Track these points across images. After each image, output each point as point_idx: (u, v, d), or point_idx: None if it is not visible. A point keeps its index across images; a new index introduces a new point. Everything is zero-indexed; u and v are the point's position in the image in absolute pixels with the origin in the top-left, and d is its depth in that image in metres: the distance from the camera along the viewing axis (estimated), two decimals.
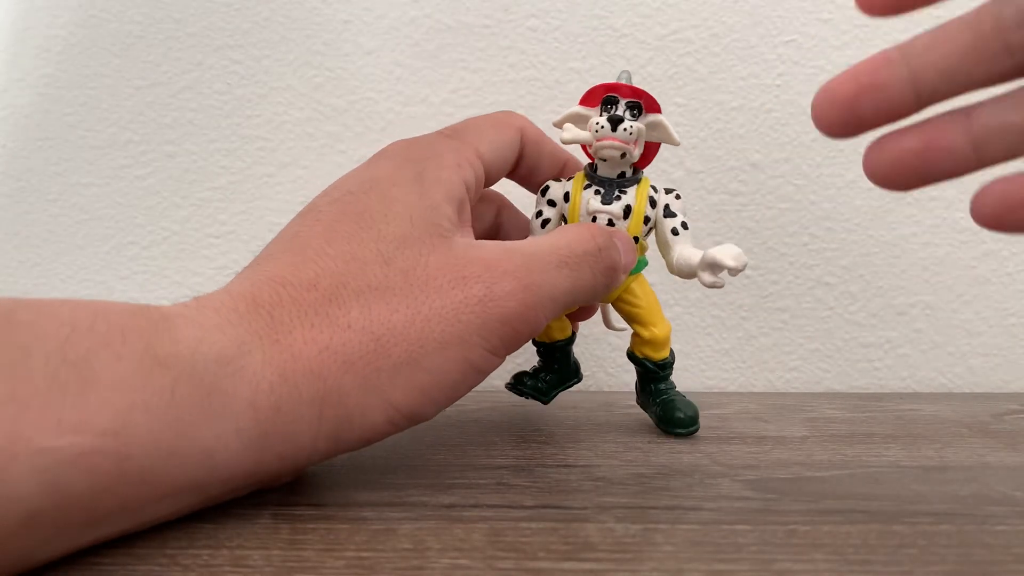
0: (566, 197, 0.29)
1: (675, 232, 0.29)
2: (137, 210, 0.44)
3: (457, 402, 0.37)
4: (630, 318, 0.30)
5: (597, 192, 0.28)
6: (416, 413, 0.23)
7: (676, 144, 0.29)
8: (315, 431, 0.21)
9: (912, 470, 0.26)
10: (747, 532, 0.20)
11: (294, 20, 0.43)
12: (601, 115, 0.28)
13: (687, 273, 0.28)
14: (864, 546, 0.19)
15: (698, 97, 0.43)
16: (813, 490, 0.24)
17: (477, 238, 0.27)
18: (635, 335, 0.30)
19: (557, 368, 0.32)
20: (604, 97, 0.28)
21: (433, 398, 0.23)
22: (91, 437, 0.17)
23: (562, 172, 0.31)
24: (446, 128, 0.28)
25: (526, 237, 0.29)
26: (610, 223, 0.28)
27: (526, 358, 0.42)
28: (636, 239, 0.29)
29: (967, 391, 0.43)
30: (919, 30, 0.21)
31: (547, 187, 0.30)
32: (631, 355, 0.30)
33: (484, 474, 0.25)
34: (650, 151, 0.30)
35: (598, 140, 0.28)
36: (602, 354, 0.36)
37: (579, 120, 0.29)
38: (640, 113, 0.28)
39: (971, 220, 0.21)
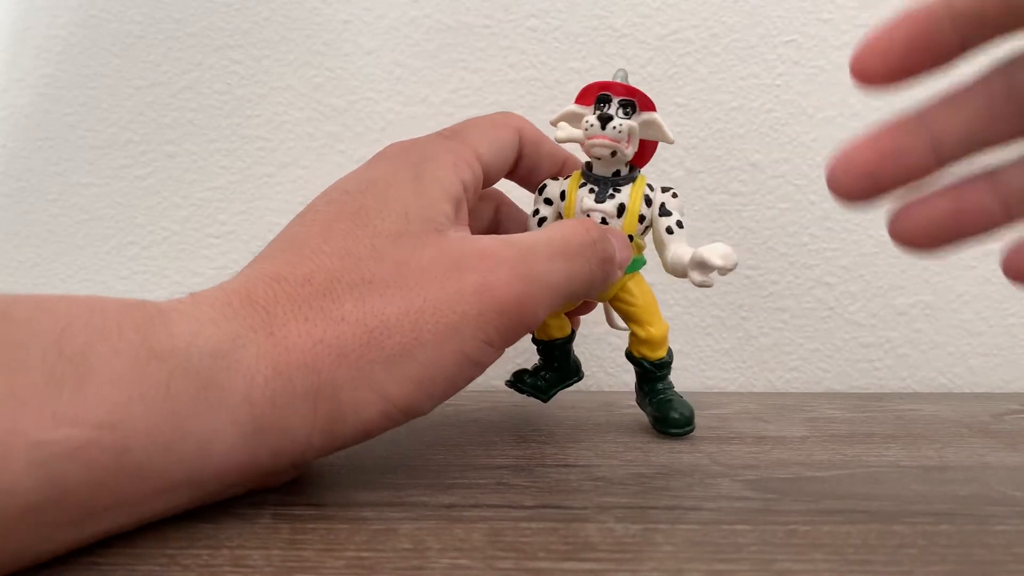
0: (562, 196, 0.29)
1: (670, 231, 0.29)
2: (137, 210, 0.44)
3: (457, 402, 0.37)
4: (627, 317, 0.30)
5: (592, 191, 0.28)
6: (411, 406, 0.23)
7: (670, 142, 0.29)
8: (310, 425, 0.21)
9: (912, 470, 0.26)
10: (747, 532, 0.20)
11: (294, 20, 0.43)
12: (594, 114, 0.28)
13: (680, 272, 0.28)
14: (864, 546, 0.19)
15: (698, 97, 0.43)
16: (813, 490, 0.24)
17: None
18: (632, 334, 0.30)
19: (557, 367, 0.32)
20: (598, 95, 0.28)
21: (428, 391, 0.23)
22: (87, 430, 0.17)
23: (561, 171, 0.31)
24: (445, 129, 0.28)
25: None
26: (604, 222, 0.28)
27: (527, 357, 0.42)
28: (631, 237, 0.29)
29: (967, 391, 0.43)
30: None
31: (544, 186, 0.30)
32: (629, 354, 0.30)
33: (484, 474, 0.25)
34: (648, 149, 0.30)
35: (588, 139, 0.28)
36: (602, 354, 0.36)
37: (574, 118, 0.29)
38: (634, 111, 0.28)
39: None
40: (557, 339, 0.31)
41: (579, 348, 0.34)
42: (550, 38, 0.43)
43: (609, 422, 0.33)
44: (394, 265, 0.23)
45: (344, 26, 0.43)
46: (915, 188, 0.21)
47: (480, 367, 0.24)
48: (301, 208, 0.26)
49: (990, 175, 0.21)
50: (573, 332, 0.32)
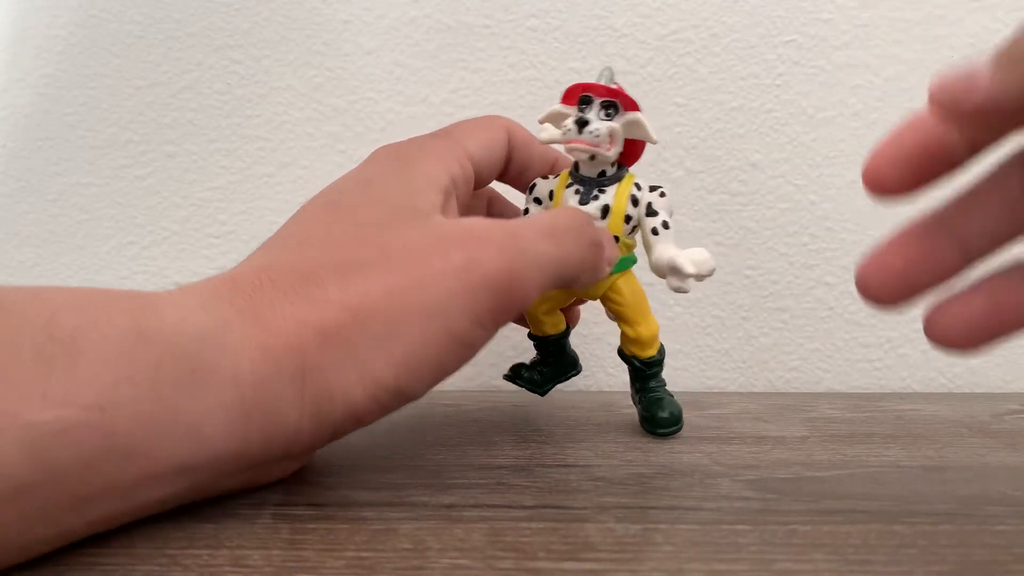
0: (551, 195, 0.29)
1: (655, 232, 0.28)
2: (137, 210, 0.44)
3: (457, 402, 0.37)
4: (617, 316, 0.30)
5: (577, 191, 0.28)
6: (399, 389, 0.22)
7: (653, 142, 0.28)
8: (298, 408, 0.21)
9: (912, 470, 0.26)
10: (747, 532, 0.20)
11: (294, 20, 0.43)
12: (576, 115, 0.28)
13: (662, 274, 0.28)
14: (864, 546, 0.19)
15: (698, 97, 0.43)
16: (813, 490, 0.24)
17: None
18: (623, 333, 0.30)
19: (553, 361, 0.32)
20: (580, 96, 0.28)
21: (416, 372, 0.22)
22: (77, 411, 0.17)
23: (552, 171, 0.31)
24: (435, 131, 0.28)
25: None
26: None
27: (519, 351, 0.42)
28: (616, 239, 0.28)
29: (967, 391, 0.43)
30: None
31: (534, 185, 0.30)
32: (620, 352, 0.31)
33: (484, 474, 0.25)
34: (636, 148, 0.30)
35: (565, 144, 0.28)
36: (602, 354, 0.36)
37: (559, 119, 0.28)
38: (616, 112, 0.28)
39: None
40: (551, 336, 0.31)
41: (579, 348, 0.34)
42: (550, 38, 0.43)
43: (609, 422, 0.33)
44: (378, 248, 0.23)
45: (344, 26, 0.43)
46: (946, 287, 0.21)
47: (471, 348, 0.23)
48: None
49: (1020, 267, 0.21)
50: (568, 329, 0.32)
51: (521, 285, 0.23)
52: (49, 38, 0.43)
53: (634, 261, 0.30)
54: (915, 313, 0.40)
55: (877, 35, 0.42)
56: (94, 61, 0.43)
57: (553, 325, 0.31)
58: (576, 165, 0.29)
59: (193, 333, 0.20)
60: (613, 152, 0.28)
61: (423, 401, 0.37)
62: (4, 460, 0.16)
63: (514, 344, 0.42)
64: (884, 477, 0.25)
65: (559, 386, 0.33)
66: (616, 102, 0.28)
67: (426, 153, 0.26)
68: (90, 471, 0.18)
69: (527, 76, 0.43)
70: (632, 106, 0.28)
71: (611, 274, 0.29)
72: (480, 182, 0.29)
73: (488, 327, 0.23)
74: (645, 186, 0.29)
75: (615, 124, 0.28)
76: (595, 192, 0.28)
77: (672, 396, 0.30)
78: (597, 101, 0.28)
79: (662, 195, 0.29)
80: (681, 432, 0.30)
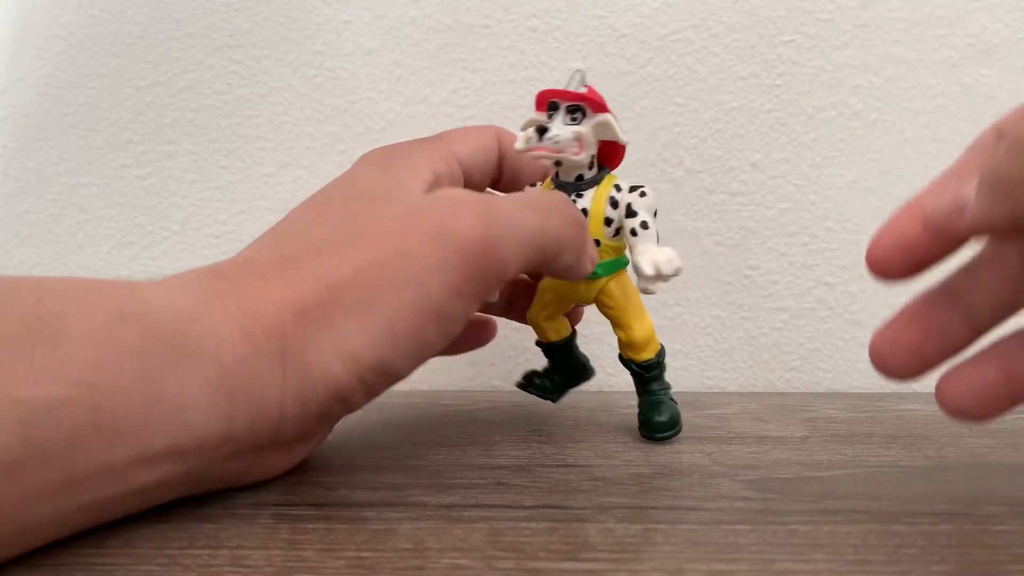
0: None
1: (633, 233, 0.28)
2: (137, 210, 0.44)
3: (457, 402, 0.37)
4: (610, 320, 0.30)
5: None
6: (379, 364, 0.22)
7: (623, 143, 0.28)
8: (280, 388, 0.21)
9: (912, 470, 0.26)
10: (747, 532, 0.20)
11: (294, 20, 0.43)
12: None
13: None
14: (864, 546, 0.19)
15: (698, 97, 0.43)
16: (813, 490, 0.24)
17: None
18: (617, 338, 0.30)
19: (563, 368, 0.32)
20: (548, 103, 0.28)
21: (395, 346, 0.22)
22: (64, 388, 0.18)
23: (545, 178, 0.31)
24: (426, 136, 0.29)
25: None
26: None
27: (527, 351, 0.42)
28: (597, 242, 0.28)
29: None
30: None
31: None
32: (620, 357, 0.30)
33: (484, 474, 0.25)
34: (618, 150, 0.29)
35: (529, 152, 0.27)
36: (602, 354, 0.36)
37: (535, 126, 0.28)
38: (584, 116, 0.28)
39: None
40: (555, 342, 0.31)
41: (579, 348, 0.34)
42: (550, 38, 0.43)
43: (609, 422, 0.33)
44: (355, 229, 0.23)
45: (344, 26, 0.43)
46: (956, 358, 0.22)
47: (452, 320, 0.23)
48: None
49: None
50: (573, 334, 0.32)
51: (497, 251, 0.23)
52: (49, 38, 0.43)
53: (625, 263, 0.30)
54: None
55: (877, 35, 0.42)
56: (94, 61, 0.43)
57: (556, 331, 0.31)
58: (557, 172, 0.29)
59: (176, 315, 0.20)
60: (583, 156, 0.27)
61: (423, 401, 0.37)
62: None
63: (514, 344, 0.42)
64: (884, 477, 0.25)
65: None
66: (582, 106, 0.28)
67: (412, 152, 0.27)
68: (79, 449, 0.18)
69: (527, 76, 0.43)
70: (600, 108, 0.28)
71: (599, 276, 0.28)
72: (471, 186, 0.29)
73: (467, 297, 0.23)
74: (625, 187, 0.28)
75: (581, 128, 0.27)
76: (573, 197, 0.28)
77: (673, 400, 0.30)
78: (563, 106, 0.28)
79: (642, 195, 0.28)
80: (681, 432, 0.30)
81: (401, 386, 0.33)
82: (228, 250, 0.43)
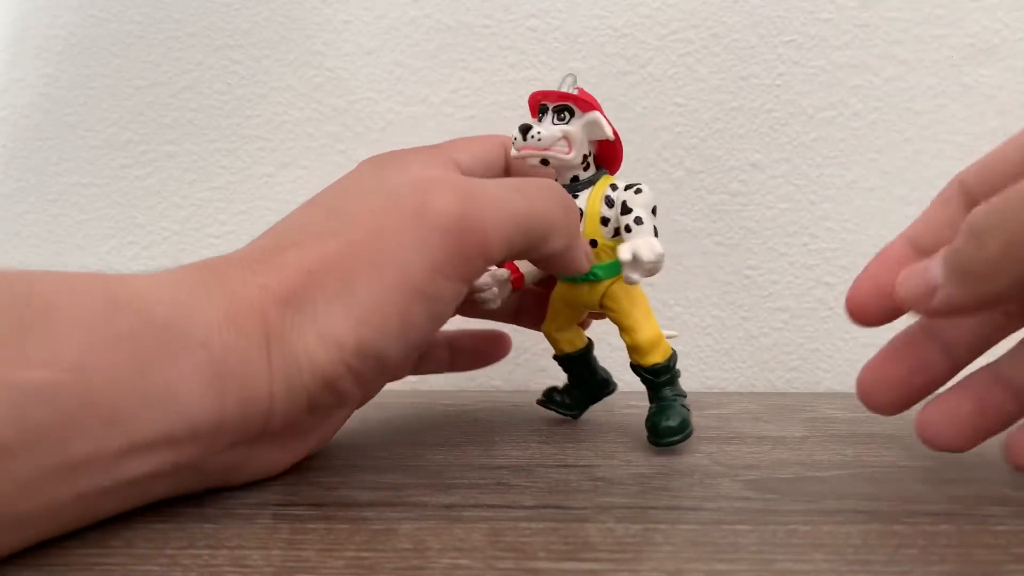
0: None
1: (627, 229, 0.27)
2: (137, 210, 0.44)
3: (457, 402, 0.37)
4: (616, 324, 0.29)
5: None
6: (363, 348, 0.22)
7: (610, 139, 0.28)
8: (267, 374, 0.21)
9: (912, 470, 0.26)
10: (747, 532, 0.20)
11: (294, 20, 0.43)
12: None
13: None
14: (864, 546, 0.19)
15: (698, 97, 0.43)
16: (813, 490, 0.24)
17: None
18: (625, 343, 0.29)
19: (582, 382, 0.32)
20: (539, 106, 0.28)
21: (377, 328, 0.22)
22: (56, 372, 0.18)
23: None
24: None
25: None
26: None
27: (527, 351, 0.42)
28: (595, 243, 0.28)
29: None
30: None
31: None
32: (630, 365, 0.29)
33: (484, 474, 0.25)
34: (616, 153, 0.29)
35: (517, 152, 0.27)
36: (601, 354, 0.36)
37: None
38: (572, 115, 0.27)
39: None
40: (570, 353, 0.31)
41: None
42: (550, 38, 0.43)
43: (609, 422, 0.33)
44: (337, 218, 0.23)
45: (344, 26, 0.43)
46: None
47: (436, 301, 0.23)
48: None
49: (995, 372, 0.24)
50: (589, 345, 0.31)
51: (478, 228, 0.22)
52: (49, 38, 0.43)
53: None
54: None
55: (877, 35, 0.42)
56: (94, 61, 0.43)
57: (569, 342, 0.31)
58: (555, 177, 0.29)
59: (164, 300, 0.20)
60: (574, 155, 0.27)
61: (423, 401, 0.37)
62: None
63: (515, 344, 0.42)
64: (884, 477, 0.25)
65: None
66: (569, 106, 0.27)
67: (408, 155, 0.26)
68: (72, 435, 0.18)
69: (527, 76, 0.43)
70: (589, 107, 0.27)
71: (600, 278, 0.28)
72: None
73: (451, 276, 0.22)
74: (621, 185, 0.28)
75: (569, 127, 0.27)
76: None
77: (684, 407, 0.28)
78: (551, 107, 0.28)
79: (637, 192, 0.27)
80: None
81: (401, 386, 0.33)
82: (228, 250, 0.43)
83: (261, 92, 0.43)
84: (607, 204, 0.28)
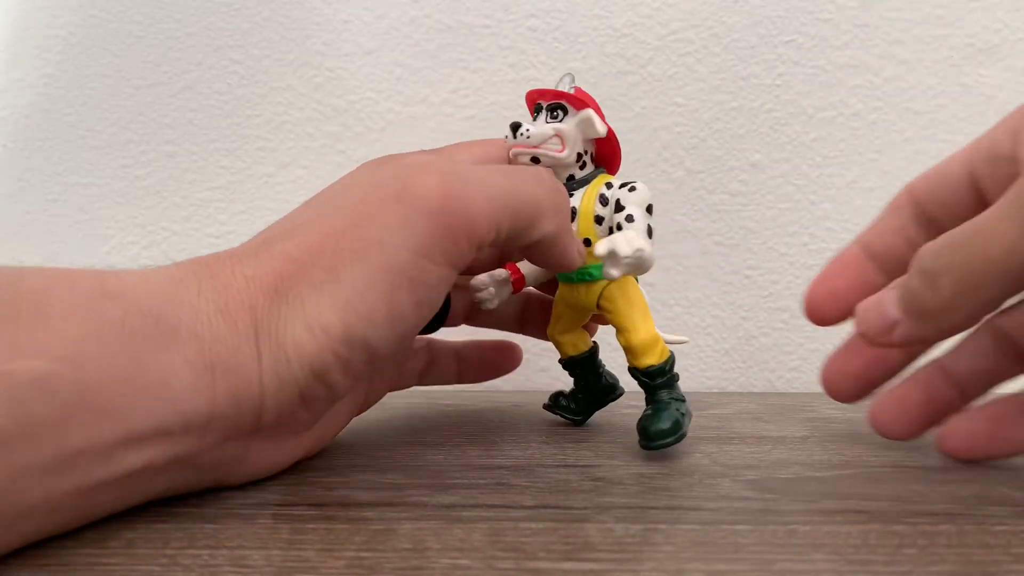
0: None
1: (619, 227, 0.27)
2: (137, 210, 0.44)
3: (457, 402, 0.37)
4: (612, 325, 0.29)
5: None
6: (350, 335, 0.21)
7: (600, 135, 0.27)
8: (257, 365, 0.21)
9: (912, 470, 0.26)
10: (747, 532, 0.20)
11: (294, 20, 0.43)
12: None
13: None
14: (864, 546, 0.19)
15: (698, 97, 0.43)
16: (813, 490, 0.24)
17: None
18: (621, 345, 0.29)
19: (587, 386, 0.32)
20: (535, 105, 0.28)
21: (364, 315, 0.21)
22: (47, 362, 0.18)
23: None
24: None
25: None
26: None
27: (527, 353, 0.42)
28: (588, 241, 0.28)
29: None
30: None
31: None
32: (628, 368, 0.29)
33: (484, 474, 0.25)
34: (615, 153, 0.29)
35: (509, 150, 0.27)
36: (601, 355, 0.36)
37: None
38: (566, 113, 0.27)
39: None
40: (574, 356, 0.31)
41: None
42: (550, 38, 0.43)
43: (609, 422, 0.33)
44: (324, 207, 0.23)
45: (344, 26, 0.43)
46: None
47: (424, 286, 0.22)
48: None
49: (941, 365, 0.27)
50: (594, 348, 0.31)
51: (462, 209, 0.22)
52: (49, 38, 0.43)
53: None
54: None
55: (877, 35, 0.42)
56: (94, 61, 0.43)
57: (573, 345, 0.31)
58: None
59: (154, 290, 0.21)
60: (567, 153, 0.27)
61: (423, 401, 0.37)
62: None
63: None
64: (884, 477, 0.25)
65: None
66: (563, 104, 0.27)
67: (404, 158, 0.26)
68: (66, 426, 0.18)
69: (527, 76, 0.43)
70: (582, 106, 0.27)
71: (595, 278, 0.28)
72: None
73: (437, 259, 0.22)
74: (616, 184, 0.28)
75: (561, 125, 0.27)
76: None
77: (679, 410, 0.27)
78: (545, 105, 0.28)
79: (632, 190, 0.27)
80: (691, 418, 0.29)
81: None
82: None
83: (261, 92, 0.43)
84: (601, 202, 0.27)
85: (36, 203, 0.44)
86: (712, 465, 0.26)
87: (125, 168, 0.44)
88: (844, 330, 0.41)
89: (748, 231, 0.43)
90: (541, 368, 0.43)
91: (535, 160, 0.27)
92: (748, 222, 0.43)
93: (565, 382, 0.33)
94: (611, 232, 0.28)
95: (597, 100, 0.28)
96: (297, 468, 0.25)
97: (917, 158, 0.42)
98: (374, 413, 0.30)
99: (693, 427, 0.32)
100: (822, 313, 0.27)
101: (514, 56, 0.43)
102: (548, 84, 0.36)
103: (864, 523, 0.21)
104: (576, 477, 0.25)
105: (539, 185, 0.25)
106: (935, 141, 0.42)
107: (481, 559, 0.18)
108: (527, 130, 0.27)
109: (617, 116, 0.43)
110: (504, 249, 0.30)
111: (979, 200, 0.26)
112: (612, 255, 0.25)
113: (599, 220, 0.28)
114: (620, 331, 0.28)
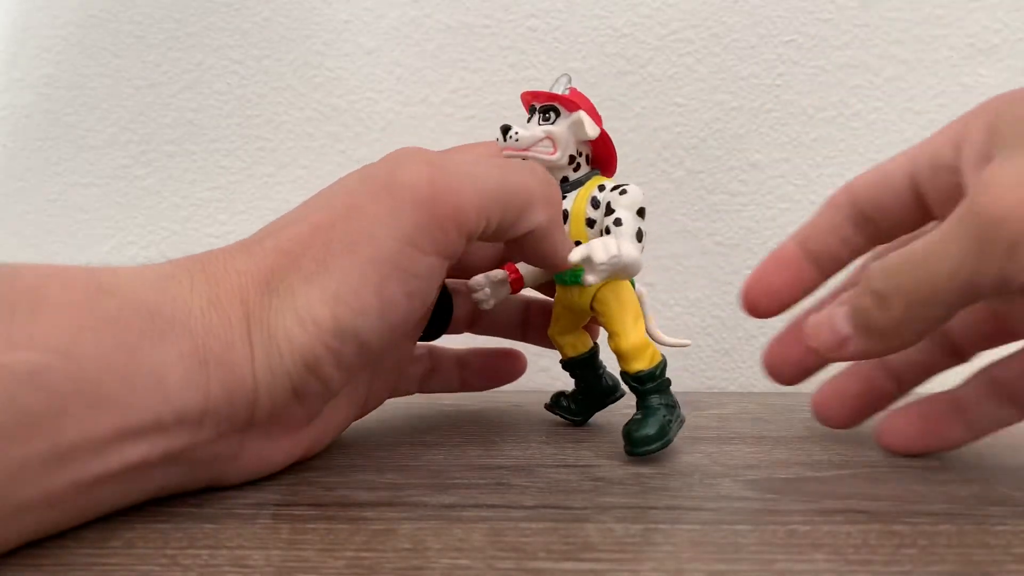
0: None
1: (607, 230, 0.27)
2: (137, 210, 0.44)
3: (457, 402, 0.37)
4: (604, 328, 0.28)
5: None
6: (340, 326, 0.21)
7: (591, 138, 0.27)
8: (249, 357, 0.21)
9: (912, 470, 0.26)
10: (747, 532, 0.20)
11: (294, 20, 0.43)
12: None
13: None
14: (864, 546, 0.19)
15: (698, 97, 0.43)
16: (813, 490, 0.24)
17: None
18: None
19: (587, 387, 0.32)
20: (530, 106, 0.28)
21: (354, 306, 0.21)
22: (42, 355, 0.18)
23: None
24: None
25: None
26: None
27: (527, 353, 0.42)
28: (579, 243, 0.27)
29: None
30: None
31: None
32: (620, 373, 0.29)
33: (484, 474, 0.25)
34: (611, 156, 0.28)
35: (502, 152, 0.27)
36: (605, 356, 0.36)
37: None
38: (558, 115, 0.27)
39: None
40: (573, 357, 0.31)
41: None
42: (550, 38, 0.43)
43: (610, 423, 0.33)
44: (315, 201, 0.24)
45: (344, 26, 0.43)
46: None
47: (414, 276, 0.22)
48: None
49: (950, 398, 0.27)
50: (594, 350, 0.31)
51: (451, 197, 0.22)
52: (49, 38, 0.43)
53: None
54: None
55: (877, 35, 0.42)
56: (94, 61, 0.43)
57: (572, 346, 0.31)
58: None
59: (148, 286, 0.21)
60: (559, 156, 0.27)
61: (423, 401, 0.37)
62: None
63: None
64: (884, 477, 0.25)
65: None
66: (555, 106, 0.27)
67: (399, 157, 0.26)
68: (62, 419, 0.18)
69: (527, 76, 0.43)
70: (575, 108, 0.27)
71: (589, 281, 0.28)
72: None
73: (426, 248, 0.22)
74: (609, 186, 0.27)
75: (553, 127, 0.27)
76: None
77: (667, 417, 0.27)
78: (538, 107, 0.28)
79: (622, 193, 0.27)
80: (681, 432, 0.29)
81: None
82: None
83: (261, 92, 0.43)
84: (593, 205, 0.27)
85: (36, 203, 0.44)
86: (712, 465, 0.26)
87: (125, 168, 0.44)
88: None
89: (748, 231, 0.43)
90: (541, 368, 0.43)
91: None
92: (748, 222, 0.43)
93: (564, 382, 0.33)
94: (603, 235, 0.27)
95: (596, 100, 0.28)
96: (297, 468, 0.25)
97: None
98: (374, 413, 0.30)
99: (693, 427, 0.32)
100: (758, 309, 0.29)
101: (514, 56, 0.43)
102: (547, 84, 0.36)
103: (864, 523, 0.21)
104: (576, 477, 0.25)
105: (530, 176, 0.25)
106: None
107: (481, 559, 0.18)
108: (516, 133, 0.27)
109: (617, 116, 0.43)
110: (505, 248, 0.30)
111: (918, 205, 0.26)
112: (588, 261, 0.25)
113: (591, 223, 0.27)
114: (611, 335, 0.28)
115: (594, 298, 0.28)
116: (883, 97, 0.43)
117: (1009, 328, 0.27)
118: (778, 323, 0.30)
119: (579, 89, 0.28)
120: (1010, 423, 0.27)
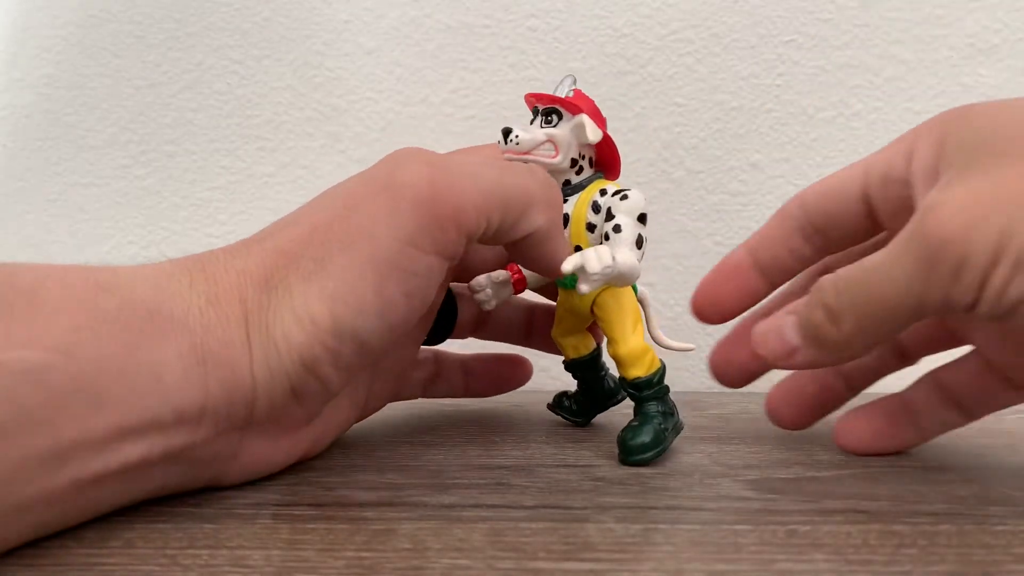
0: None
1: (606, 236, 0.26)
2: (137, 210, 0.44)
3: (457, 402, 0.37)
4: (603, 333, 0.28)
5: None
6: (339, 326, 0.21)
7: (593, 141, 0.27)
8: (248, 357, 0.21)
9: (912, 470, 0.26)
10: (747, 532, 0.20)
11: (294, 20, 0.43)
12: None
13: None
14: (864, 546, 0.19)
15: (698, 97, 0.43)
16: (813, 490, 0.24)
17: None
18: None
19: (589, 389, 0.32)
20: (533, 108, 0.28)
21: (352, 305, 0.21)
22: (41, 352, 0.18)
23: None
24: None
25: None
26: None
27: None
28: (579, 248, 0.27)
29: None
30: None
31: None
32: (619, 379, 0.28)
33: (484, 474, 0.25)
34: (614, 158, 0.28)
35: (503, 155, 0.27)
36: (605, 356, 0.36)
37: None
38: (560, 118, 0.27)
39: None
40: (575, 359, 0.31)
41: None
42: (550, 38, 0.43)
43: (610, 423, 0.33)
44: (317, 201, 0.24)
45: (344, 26, 0.43)
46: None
47: (411, 275, 0.22)
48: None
49: (903, 401, 0.28)
50: (597, 352, 0.31)
51: (451, 198, 0.22)
52: (49, 38, 0.43)
53: None
54: None
55: (877, 35, 0.42)
56: (94, 61, 0.43)
57: (574, 348, 0.31)
58: None
59: (147, 285, 0.21)
60: (560, 159, 0.27)
61: (423, 401, 0.37)
62: None
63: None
64: (884, 477, 0.25)
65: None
66: (557, 109, 0.27)
67: (399, 159, 0.26)
68: (62, 417, 0.18)
69: (527, 76, 0.43)
70: (577, 111, 0.27)
71: (583, 290, 0.27)
72: None
73: (425, 248, 0.22)
74: (611, 191, 0.27)
75: (554, 130, 0.27)
76: None
77: (663, 425, 0.27)
78: (540, 110, 0.28)
79: (624, 198, 0.26)
80: (681, 432, 0.29)
81: None
82: None
83: (261, 92, 0.43)
84: (593, 210, 0.27)
85: (36, 203, 0.44)
86: (712, 465, 0.26)
87: (125, 168, 0.44)
88: None
89: (748, 231, 0.43)
90: (542, 368, 0.43)
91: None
92: (748, 222, 0.43)
93: (564, 382, 0.33)
94: (603, 241, 0.27)
95: (596, 100, 0.28)
96: (297, 468, 0.25)
97: None
98: (374, 413, 0.30)
99: (693, 427, 0.32)
100: (706, 316, 0.29)
101: (514, 56, 0.43)
102: (547, 84, 0.36)
103: (864, 523, 0.21)
104: (576, 477, 0.25)
105: (531, 178, 0.25)
106: None
107: (481, 559, 0.18)
108: (516, 136, 0.27)
109: (617, 116, 0.43)
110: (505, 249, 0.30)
111: (869, 216, 0.26)
112: (581, 271, 0.25)
113: (591, 228, 0.27)
114: (609, 341, 0.28)
115: (595, 302, 0.28)
116: (883, 97, 0.43)
117: (955, 334, 0.28)
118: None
119: (583, 91, 0.28)
120: (955, 426, 0.27)
